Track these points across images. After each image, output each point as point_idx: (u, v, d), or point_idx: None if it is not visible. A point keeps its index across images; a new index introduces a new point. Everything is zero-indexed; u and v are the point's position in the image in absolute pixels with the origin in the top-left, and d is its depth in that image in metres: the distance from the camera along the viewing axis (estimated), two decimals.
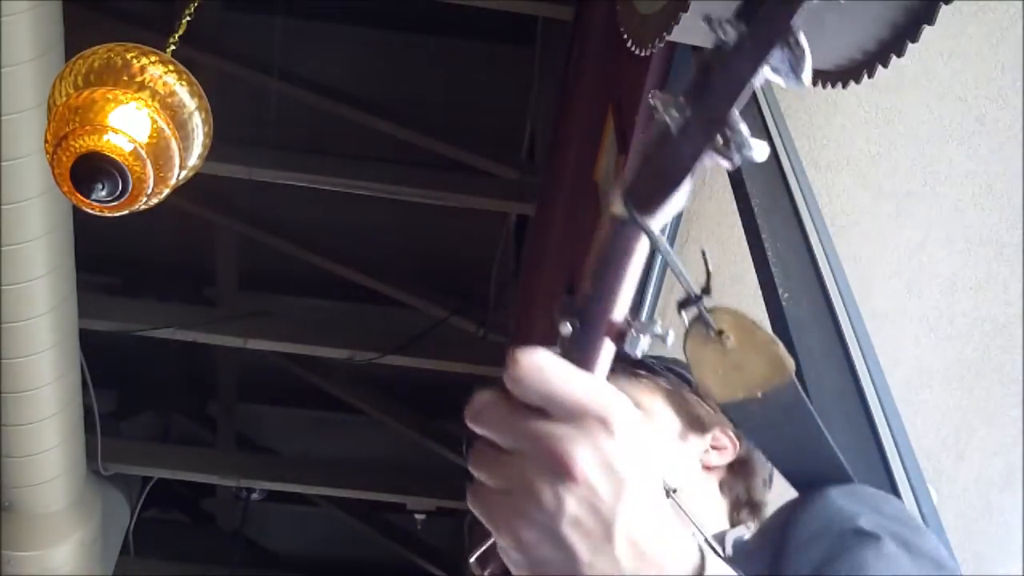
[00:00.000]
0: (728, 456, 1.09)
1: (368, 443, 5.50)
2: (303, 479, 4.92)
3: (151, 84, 1.76)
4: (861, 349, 1.30)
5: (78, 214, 2.71)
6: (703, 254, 0.66)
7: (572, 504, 0.53)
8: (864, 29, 1.13)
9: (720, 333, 0.69)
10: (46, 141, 1.73)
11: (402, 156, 4.18)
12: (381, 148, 4.17)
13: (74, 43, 2.09)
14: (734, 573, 0.58)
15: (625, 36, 1.38)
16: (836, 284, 1.39)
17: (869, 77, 1.18)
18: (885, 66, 1.16)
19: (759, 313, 1.42)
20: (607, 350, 0.60)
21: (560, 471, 0.53)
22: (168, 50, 1.92)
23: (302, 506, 5.69)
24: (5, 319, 3.07)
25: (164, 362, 5.09)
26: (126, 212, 1.76)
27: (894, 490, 1.14)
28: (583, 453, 0.53)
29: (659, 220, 0.60)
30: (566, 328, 0.60)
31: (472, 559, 0.76)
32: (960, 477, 2.82)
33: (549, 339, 0.64)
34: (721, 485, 1.08)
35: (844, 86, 1.24)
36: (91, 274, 3.98)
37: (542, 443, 0.54)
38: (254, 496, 5.57)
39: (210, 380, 5.28)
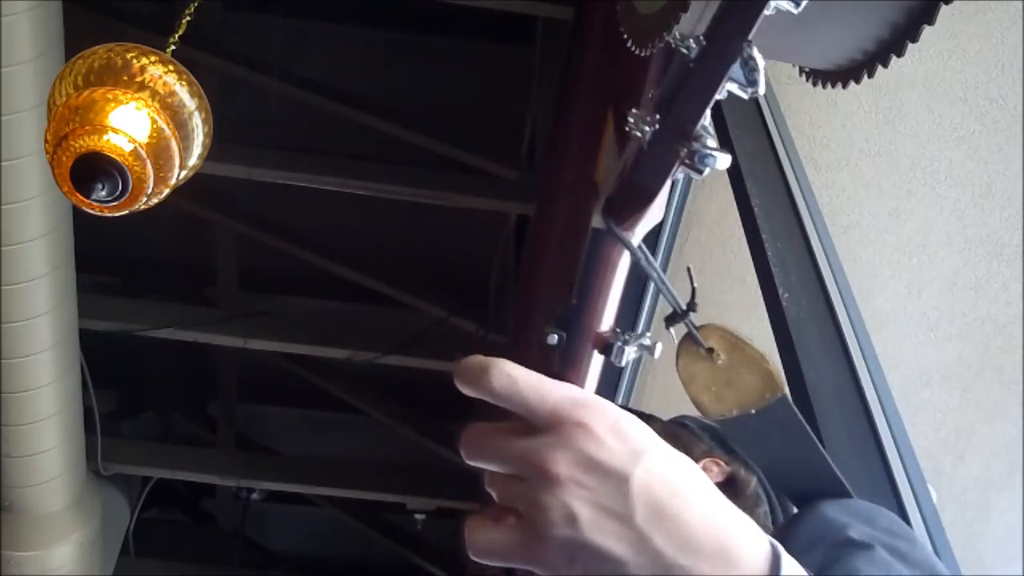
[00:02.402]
0: (716, 477, 1.06)
1: (368, 443, 5.50)
2: (303, 479, 4.92)
3: (151, 84, 1.76)
4: (861, 349, 1.30)
5: (78, 214, 2.71)
6: (688, 271, 0.67)
7: (580, 507, 0.53)
8: (864, 29, 1.13)
9: (711, 350, 0.70)
10: (46, 141, 1.73)
11: (402, 156, 4.18)
12: (381, 148, 4.16)
13: (74, 43, 2.09)
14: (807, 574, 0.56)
15: (625, 36, 1.38)
16: (836, 284, 1.39)
17: (869, 77, 1.18)
18: (885, 66, 1.16)
19: (759, 314, 1.42)
20: (594, 360, 0.60)
21: (547, 480, 0.53)
22: (168, 50, 1.91)
23: (302, 506, 5.69)
24: (5, 319, 3.07)
25: (164, 362, 5.08)
26: (126, 212, 1.76)
27: (894, 490, 1.14)
28: (561, 456, 0.53)
29: (638, 232, 0.61)
30: (552, 339, 0.61)
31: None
32: (960, 477, 2.82)
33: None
34: None
35: (844, 86, 1.24)
36: (91, 274, 3.98)
37: (526, 459, 0.54)
38: (254, 496, 5.57)
39: (210, 380, 5.27)
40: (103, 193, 1.66)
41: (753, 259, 1.48)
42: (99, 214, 1.75)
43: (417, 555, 5.45)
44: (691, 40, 0.55)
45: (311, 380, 4.91)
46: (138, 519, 4.81)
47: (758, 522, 1.07)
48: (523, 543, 0.55)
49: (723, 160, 0.55)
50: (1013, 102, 2.17)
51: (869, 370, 1.28)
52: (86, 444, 3.80)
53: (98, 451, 4.03)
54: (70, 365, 3.43)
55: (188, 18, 2.00)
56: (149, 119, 1.72)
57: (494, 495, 0.57)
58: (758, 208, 1.50)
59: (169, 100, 1.77)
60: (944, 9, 1.14)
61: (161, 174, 1.74)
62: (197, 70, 1.90)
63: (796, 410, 0.79)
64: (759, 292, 1.43)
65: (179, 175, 1.81)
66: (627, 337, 0.59)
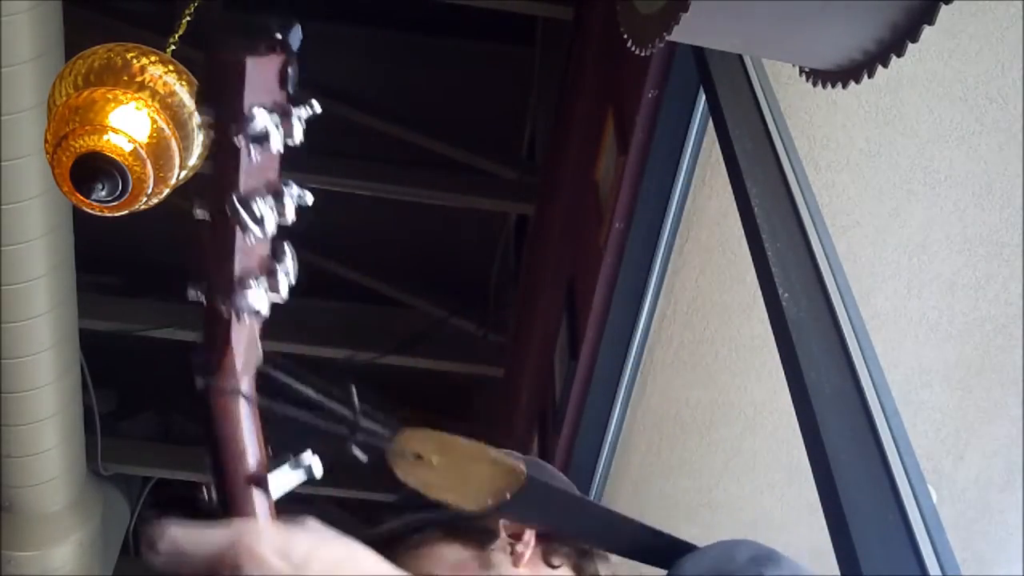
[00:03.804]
0: (529, 536, 0.99)
1: None
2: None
3: (151, 84, 1.76)
4: (861, 349, 1.30)
5: (78, 214, 2.71)
6: (352, 391, 0.70)
7: None
8: (864, 29, 1.13)
9: (419, 456, 0.72)
10: (46, 141, 1.73)
11: (402, 156, 4.18)
12: (381, 148, 4.17)
13: (74, 43, 2.09)
14: None
15: (625, 36, 1.38)
16: (836, 284, 1.39)
17: (869, 77, 1.18)
18: (885, 66, 1.16)
19: (759, 314, 1.42)
20: (256, 496, 0.66)
21: None
22: (168, 50, 1.91)
23: (302, 505, 5.69)
24: (5, 319, 3.07)
25: (164, 362, 5.07)
26: (126, 212, 1.76)
27: (894, 490, 1.14)
28: None
29: (246, 378, 0.67)
30: (203, 495, 0.68)
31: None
32: (960, 477, 2.82)
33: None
34: (545, 557, 1.00)
35: (844, 86, 1.24)
36: (91, 274, 3.97)
37: None
38: None
39: None
40: (103, 193, 1.66)
41: (753, 259, 1.47)
42: (99, 214, 1.75)
43: None
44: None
45: None
46: (138, 519, 4.81)
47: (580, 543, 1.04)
48: None
49: (262, 303, 0.65)
50: (1013, 102, 2.17)
51: (869, 370, 1.28)
52: (86, 444, 3.80)
53: (98, 451, 4.03)
54: (70, 365, 3.43)
55: (188, 18, 2.00)
56: (149, 119, 1.72)
57: None
58: (758, 208, 1.50)
59: (169, 100, 1.77)
60: (944, 9, 1.14)
61: (161, 174, 1.74)
62: (197, 70, 1.89)
63: (553, 486, 0.79)
64: (759, 292, 1.43)
65: (179, 175, 1.82)
66: (282, 461, 0.65)
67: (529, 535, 0.98)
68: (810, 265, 1.41)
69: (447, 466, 0.71)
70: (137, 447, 4.75)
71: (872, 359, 1.30)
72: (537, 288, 3.61)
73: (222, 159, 0.60)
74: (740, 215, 1.56)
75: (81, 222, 3.09)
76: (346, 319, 4.98)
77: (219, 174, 0.60)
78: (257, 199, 0.60)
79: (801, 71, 1.35)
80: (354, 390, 0.68)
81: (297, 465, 0.65)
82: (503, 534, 0.99)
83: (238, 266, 0.62)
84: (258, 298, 0.61)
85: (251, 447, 0.65)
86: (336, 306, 5.04)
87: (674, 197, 2.31)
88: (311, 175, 3.98)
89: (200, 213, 0.63)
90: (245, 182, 0.60)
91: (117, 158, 1.66)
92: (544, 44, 4.05)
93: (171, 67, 1.81)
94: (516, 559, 0.98)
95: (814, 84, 1.31)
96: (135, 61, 1.76)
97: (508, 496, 0.73)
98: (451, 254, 4.69)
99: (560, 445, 2.80)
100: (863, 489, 1.13)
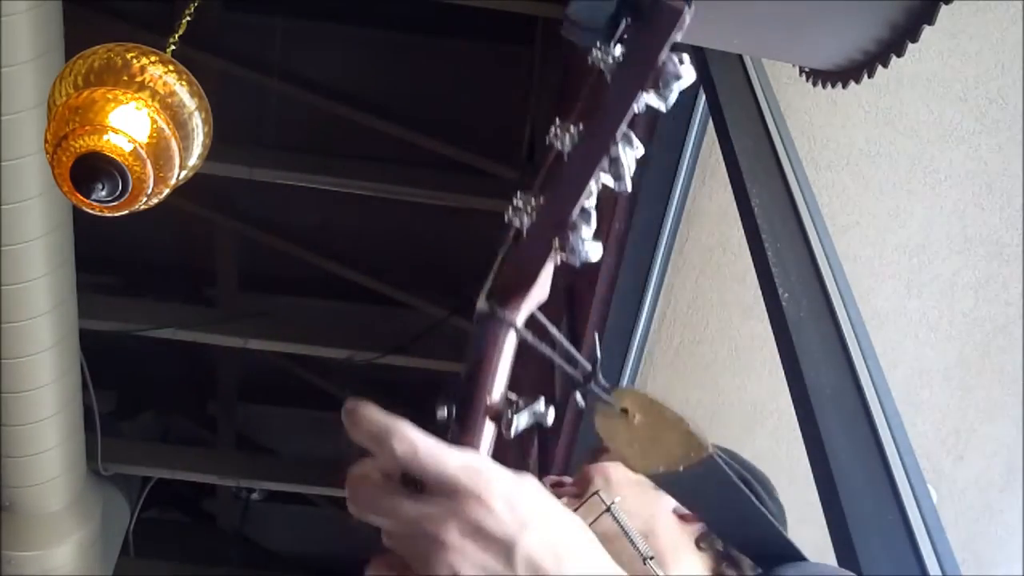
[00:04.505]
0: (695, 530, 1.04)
1: None
2: (303, 479, 4.92)
3: (151, 84, 1.76)
4: (861, 349, 1.30)
5: (78, 214, 2.71)
6: (596, 339, 0.71)
7: (465, 569, 0.56)
8: (864, 29, 1.13)
9: (624, 411, 0.73)
10: (46, 141, 1.73)
11: (402, 156, 4.18)
12: (381, 148, 4.17)
13: (74, 43, 2.09)
14: None
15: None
16: (836, 284, 1.39)
17: (869, 77, 1.18)
18: (885, 66, 1.16)
19: (759, 314, 1.42)
20: (487, 430, 0.63)
21: (437, 544, 0.56)
22: (168, 50, 1.91)
23: (302, 506, 5.69)
24: (5, 319, 3.06)
25: (164, 362, 5.08)
26: (126, 212, 1.76)
27: (894, 490, 1.14)
28: (453, 525, 0.56)
29: (523, 312, 0.65)
30: (442, 412, 0.65)
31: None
32: (960, 477, 2.82)
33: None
34: (698, 541, 1.04)
35: (844, 86, 1.24)
36: (91, 274, 3.97)
37: (419, 524, 0.57)
38: (254, 496, 5.57)
39: (210, 380, 5.28)
40: (103, 193, 1.66)
41: (753, 259, 1.47)
42: (99, 214, 1.75)
43: None
44: (567, 133, 0.61)
45: (311, 380, 4.91)
46: (138, 519, 4.81)
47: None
48: None
49: (595, 251, 0.61)
50: (1013, 102, 2.17)
51: (869, 370, 1.28)
52: (86, 444, 3.80)
53: (98, 451, 4.03)
54: (70, 365, 3.42)
55: (188, 18, 2.00)
56: (149, 119, 1.72)
57: (390, 545, 0.60)
58: (758, 208, 1.50)
59: (169, 100, 1.77)
60: (944, 9, 1.14)
61: (161, 174, 1.74)
62: (197, 70, 1.90)
63: (728, 471, 0.79)
64: (759, 292, 1.43)
65: (179, 175, 1.81)
66: (520, 405, 0.63)
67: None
68: (810, 265, 1.41)
69: (643, 426, 0.72)
70: (137, 447, 4.75)
71: (872, 359, 1.30)
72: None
73: None
74: (740, 215, 1.56)
75: (81, 222, 3.09)
76: (346, 319, 4.98)
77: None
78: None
79: (801, 71, 1.35)
80: (597, 340, 0.69)
81: (532, 410, 0.64)
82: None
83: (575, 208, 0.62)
84: (592, 248, 0.61)
85: (501, 381, 0.64)
86: (336, 306, 5.04)
87: (674, 197, 2.31)
88: (312, 175, 3.98)
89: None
90: None
91: (117, 158, 1.66)
92: (544, 44, 4.05)
93: (171, 67, 1.81)
94: (679, 510, 1.02)
95: (814, 84, 1.31)
96: (135, 61, 1.76)
97: (682, 468, 0.74)
98: (451, 254, 4.68)
99: (560, 446, 2.80)
100: (863, 489, 1.13)
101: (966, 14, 2.04)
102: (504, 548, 0.56)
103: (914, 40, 1.10)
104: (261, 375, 5.25)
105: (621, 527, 0.92)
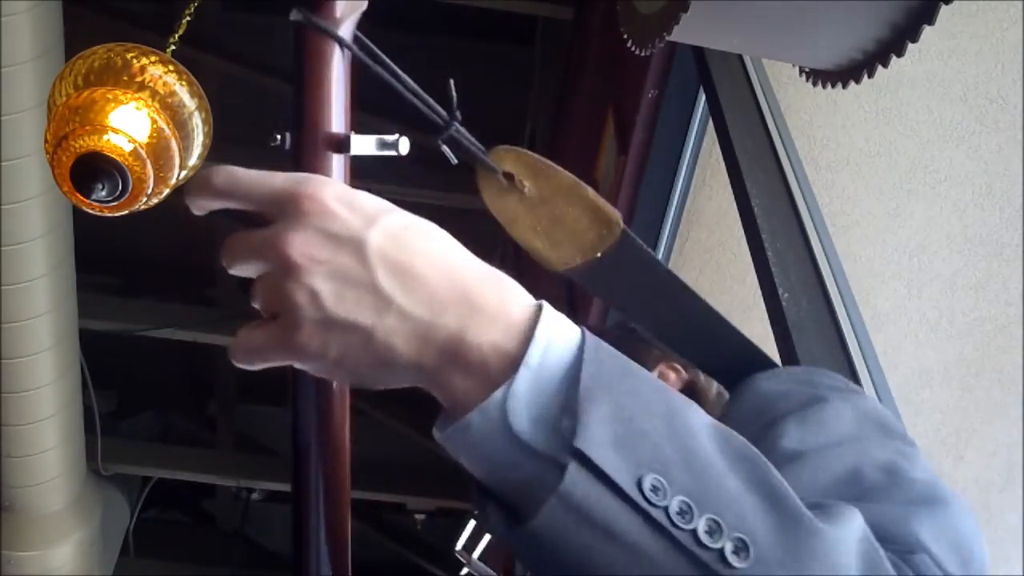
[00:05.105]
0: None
1: (368, 443, 5.50)
2: None
3: (151, 84, 1.76)
4: (861, 349, 1.30)
5: (78, 214, 2.71)
6: (451, 84, 0.64)
7: (319, 283, 0.52)
8: (864, 29, 1.13)
9: (509, 176, 0.65)
10: (46, 141, 1.72)
11: (402, 156, 4.18)
12: None
13: (74, 43, 2.09)
14: (579, 332, 0.54)
15: (625, 36, 1.38)
16: (836, 284, 1.39)
17: (869, 77, 1.18)
18: (885, 66, 1.16)
19: (759, 314, 1.42)
20: (331, 162, 0.58)
21: (287, 265, 0.52)
22: (168, 50, 1.91)
23: None
24: (5, 319, 3.06)
25: (164, 362, 5.08)
26: (126, 212, 1.76)
27: None
28: (293, 238, 0.52)
29: (345, 22, 0.59)
30: (275, 140, 0.60)
31: (458, 547, 0.74)
32: (960, 477, 2.82)
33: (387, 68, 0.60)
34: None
35: (844, 86, 1.24)
36: (91, 274, 3.98)
37: (264, 249, 0.53)
38: (254, 496, 5.57)
39: (210, 380, 5.28)
40: (103, 193, 1.66)
41: (753, 259, 1.47)
42: (99, 214, 1.75)
43: (417, 555, 5.44)
44: None
45: None
46: (138, 519, 4.81)
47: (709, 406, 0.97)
48: (279, 336, 0.55)
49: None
50: (1013, 102, 2.17)
51: (869, 370, 1.28)
52: (86, 444, 3.80)
53: (98, 451, 4.03)
54: (70, 365, 3.42)
55: (188, 18, 2.00)
56: (149, 119, 1.72)
57: (256, 304, 0.57)
58: (758, 208, 1.50)
59: (169, 100, 1.77)
60: (944, 9, 1.14)
61: (161, 174, 1.74)
62: (197, 70, 1.90)
63: (648, 252, 0.66)
64: (759, 292, 1.43)
65: (179, 175, 1.81)
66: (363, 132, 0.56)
67: (674, 383, 0.94)
68: (810, 265, 1.41)
69: (539, 202, 0.63)
70: (137, 447, 4.75)
71: (872, 359, 1.30)
72: (538, 287, 3.61)
73: None
74: (740, 215, 1.56)
75: (81, 222, 3.09)
76: None
77: None
78: None
79: (801, 71, 1.35)
80: (452, 84, 0.63)
81: (383, 141, 0.57)
82: (659, 369, 0.96)
83: None
84: None
85: (337, 102, 0.58)
86: None
87: (674, 197, 2.31)
88: None
89: None
90: None
91: (117, 158, 1.66)
92: (544, 44, 4.05)
93: (171, 67, 1.81)
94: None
95: (814, 84, 1.31)
96: (135, 61, 1.76)
97: (599, 254, 0.63)
98: None
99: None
100: None
101: (966, 14, 2.04)
102: (354, 247, 0.52)
103: (914, 40, 1.10)
104: (261, 375, 5.24)
105: None
